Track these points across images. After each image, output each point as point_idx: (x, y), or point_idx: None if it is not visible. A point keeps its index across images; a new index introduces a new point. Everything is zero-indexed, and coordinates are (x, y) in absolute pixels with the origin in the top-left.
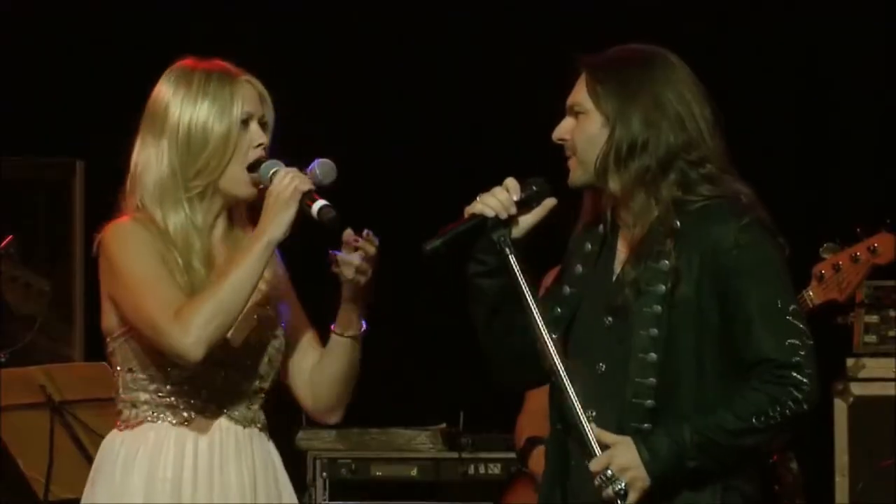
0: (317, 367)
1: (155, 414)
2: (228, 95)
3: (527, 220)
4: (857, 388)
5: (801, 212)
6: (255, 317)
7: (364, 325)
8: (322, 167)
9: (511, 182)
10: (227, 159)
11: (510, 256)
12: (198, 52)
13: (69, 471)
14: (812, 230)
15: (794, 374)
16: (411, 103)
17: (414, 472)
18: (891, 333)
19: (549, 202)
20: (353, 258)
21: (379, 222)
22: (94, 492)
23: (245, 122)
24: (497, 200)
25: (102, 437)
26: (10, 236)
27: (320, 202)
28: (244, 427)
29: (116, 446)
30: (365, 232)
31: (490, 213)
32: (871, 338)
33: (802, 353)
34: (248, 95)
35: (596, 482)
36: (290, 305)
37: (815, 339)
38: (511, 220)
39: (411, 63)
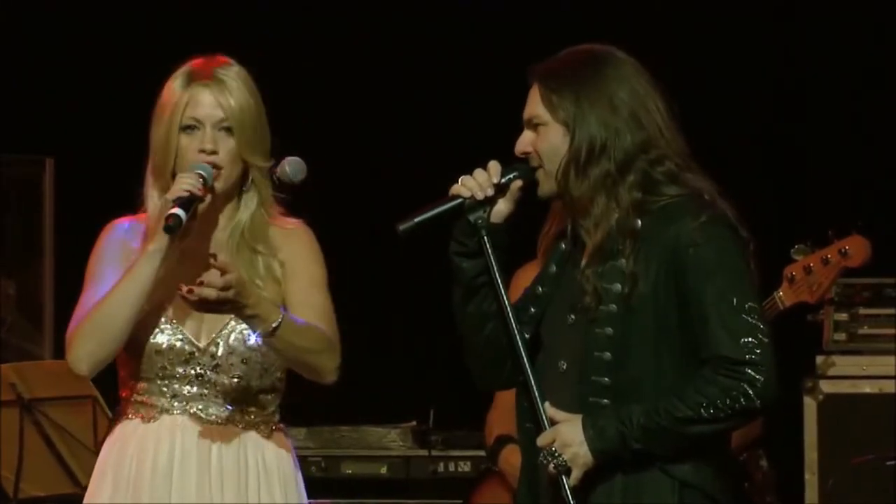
0: None
1: (132, 411)
2: (176, 101)
3: (504, 205)
4: (826, 386)
5: (773, 213)
6: (228, 317)
7: (276, 319)
8: (291, 165)
9: (493, 164)
10: (170, 164)
11: (485, 239)
12: (170, 50)
13: (39, 468)
14: (784, 232)
15: (749, 371)
16: (397, 93)
17: (384, 470)
18: (860, 331)
19: (515, 185)
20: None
21: (351, 217)
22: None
23: (190, 128)
24: (475, 182)
25: (72, 434)
26: None
27: (170, 211)
28: (218, 425)
29: (107, 442)
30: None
31: (466, 193)
32: (841, 335)
33: (758, 350)
34: (201, 101)
35: (540, 457)
36: (294, 305)
37: (784, 337)
38: (489, 203)
39: (405, 56)
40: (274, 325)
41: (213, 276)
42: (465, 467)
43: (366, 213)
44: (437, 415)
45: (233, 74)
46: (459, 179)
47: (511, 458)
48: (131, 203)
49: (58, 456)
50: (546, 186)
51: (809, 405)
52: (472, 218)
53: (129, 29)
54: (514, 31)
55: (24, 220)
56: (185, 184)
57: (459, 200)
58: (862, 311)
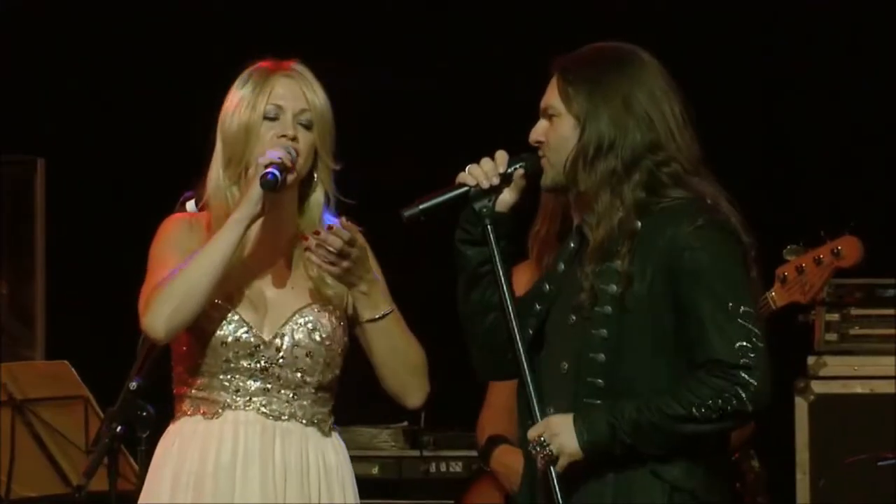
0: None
1: (193, 408)
2: (258, 89)
3: (510, 195)
4: (817, 387)
5: (765, 213)
6: (293, 310)
7: (386, 309)
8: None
9: (500, 154)
10: (250, 149)
11: (488, 228)
12: (165, 51)
13: (30, 469)
14: (776, 232)
15: (742, 375)
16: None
17: (375, 471)
18: (851, 331)
19: (518, 174)
20: (314, 249)
21: (348, 212)
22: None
23: (271, 116)
24: (481, 170)
25: (63, 434)
26: None
27: (267, 170)
28: (279, 421)
29: (164, 440)
30: (341, 220)
31: (472, 181)
32: (832, 336)
33: (752, 355)
34: (281, 92)
35: (529, 448)
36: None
37: (776, 337)
38: (494, 192)
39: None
40: (384, 311)
41: (340, 227)
42: (457, 468)
43: (364, 208)
44: (428, 415)
45: (309, 71)
46: (466, 168)
47: (503, 458)
48: (124, 203)
49: (49, 456)
50: (550, 177)
51: (801, 405)
52: (476, 206)
53: (123, 30)
54: (526, 21)
55: (15, 221)
56: (277, 151)
57: (465, 189)
58: (853, 311)
